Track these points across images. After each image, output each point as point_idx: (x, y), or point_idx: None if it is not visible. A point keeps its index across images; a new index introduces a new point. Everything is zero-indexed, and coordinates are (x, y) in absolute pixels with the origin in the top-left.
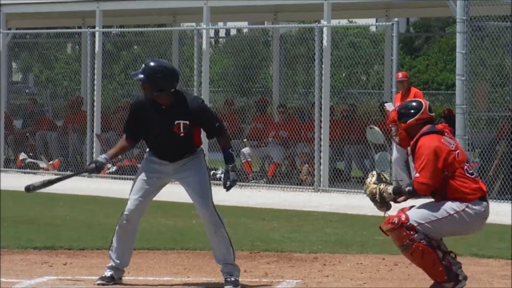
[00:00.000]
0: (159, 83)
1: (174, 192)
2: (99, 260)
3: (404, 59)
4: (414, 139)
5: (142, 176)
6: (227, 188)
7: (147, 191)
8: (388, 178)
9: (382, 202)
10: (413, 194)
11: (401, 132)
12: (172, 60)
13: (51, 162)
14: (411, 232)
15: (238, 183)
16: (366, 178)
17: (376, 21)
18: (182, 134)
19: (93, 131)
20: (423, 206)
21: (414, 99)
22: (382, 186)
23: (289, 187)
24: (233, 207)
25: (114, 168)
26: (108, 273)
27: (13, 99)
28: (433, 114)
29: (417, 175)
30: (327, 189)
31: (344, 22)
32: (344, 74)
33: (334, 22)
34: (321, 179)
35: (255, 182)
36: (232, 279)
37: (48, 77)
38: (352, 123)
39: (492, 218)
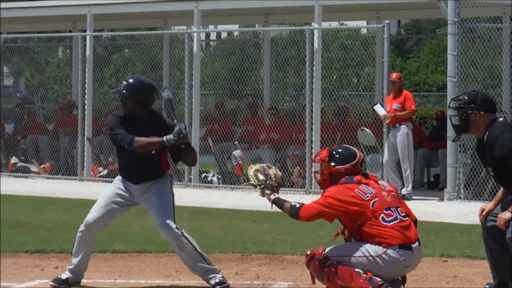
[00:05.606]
0: (143, 98)
1: None
2: (90, 263)
3: (395, 61)
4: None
5: (109, 192)
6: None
7: (111, 208)
8: (279, 182)
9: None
10: (295, 214)
11: (325, 173)
12: (163, 64)
13: (42, 166)
14: (323, 261)
15: (229, 185)
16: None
17: (367, 23)
18: (154, 151)
19: (84, 135)
20: (342, 245)
21: (351, 148)
22: (268, 182)
23: (280, 189)
24: (224, 210)
25: (105, 172)
26: (64, 276)
27: (4, 103)
28: (364, 169)
29: (314, 201)
30: (319, 191)
31: (335, 24)
32: (335, 76)
33: (325, 25)
34: (313, 181)
35: (246, 185)
36: (217, 280)
37: (39, 81)
38: (343, 125)
39: None
